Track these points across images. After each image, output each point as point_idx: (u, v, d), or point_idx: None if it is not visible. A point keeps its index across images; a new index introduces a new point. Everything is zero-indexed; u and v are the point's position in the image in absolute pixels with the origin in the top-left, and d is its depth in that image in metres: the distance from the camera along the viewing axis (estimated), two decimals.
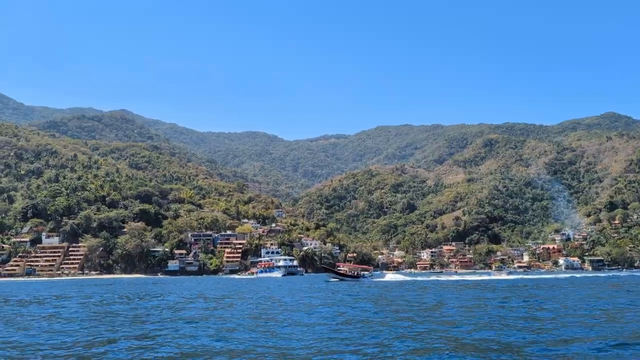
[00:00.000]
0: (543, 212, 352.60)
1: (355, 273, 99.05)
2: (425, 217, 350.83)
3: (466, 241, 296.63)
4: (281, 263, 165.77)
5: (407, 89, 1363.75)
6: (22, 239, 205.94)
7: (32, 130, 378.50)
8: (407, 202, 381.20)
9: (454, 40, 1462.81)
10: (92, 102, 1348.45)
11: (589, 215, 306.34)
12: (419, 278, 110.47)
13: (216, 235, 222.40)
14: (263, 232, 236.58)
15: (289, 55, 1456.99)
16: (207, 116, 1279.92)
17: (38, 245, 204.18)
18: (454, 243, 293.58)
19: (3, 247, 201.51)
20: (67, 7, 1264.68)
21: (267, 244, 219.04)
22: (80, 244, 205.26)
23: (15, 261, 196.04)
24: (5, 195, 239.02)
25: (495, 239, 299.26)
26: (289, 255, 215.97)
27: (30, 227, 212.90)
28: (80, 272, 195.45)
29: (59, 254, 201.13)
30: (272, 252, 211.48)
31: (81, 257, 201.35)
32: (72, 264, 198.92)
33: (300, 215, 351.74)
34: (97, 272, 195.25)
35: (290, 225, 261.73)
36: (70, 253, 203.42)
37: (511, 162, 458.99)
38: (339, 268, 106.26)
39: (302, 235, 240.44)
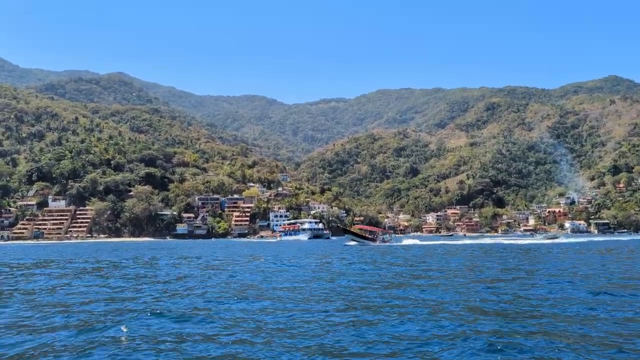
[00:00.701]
0: (546, 176, 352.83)
1: (375, 236, 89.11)
2: (428, 181, 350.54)
3: (470, 205, 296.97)
4: (306, 225, 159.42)
5: (408, 53, 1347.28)
6: (28, 202, 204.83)
7: (30, 92, 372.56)
8: (410, 166, 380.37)
9: (453, 3, 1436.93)
10: (88, 65, 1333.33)
11: (592, 179, 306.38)
12: (442, 242, 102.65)
13: (223, 198, 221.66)
14: (270, 195, 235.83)
15: (287, 16, 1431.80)
16: (205, 79, 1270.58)
17: (45, 208, 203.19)
18: (458, 207, 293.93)
19: (10, 210, 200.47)
20: None
21: (274, 207, 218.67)
22: (87, 208, 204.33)
23: (23, 224, 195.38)
24: (8, 158, 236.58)
25: (500, 203, 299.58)
26: (296, 218, 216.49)
27: (36, 191, 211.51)
28: (88, 235, 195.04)
29: (67, 217, 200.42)
30: (281, 216, 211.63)
31: (89, 220, 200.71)
32: (79, 227, 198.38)
33: (302, 179, 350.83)
34: (106, 235, 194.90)
35: (296, 190, 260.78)
36: (77, 216, 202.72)
37: (513, 126, 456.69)
38: (360, 231, 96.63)
39: (309, 200, 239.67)
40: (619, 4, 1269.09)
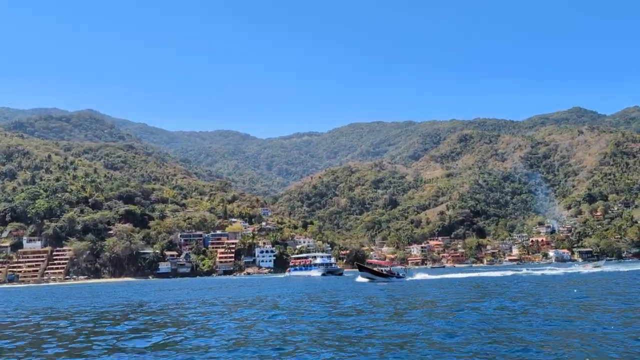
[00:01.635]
0: (523, 205, 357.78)
1: (392, 272, 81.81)
2: (408, 213, 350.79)
3: (452, 235, 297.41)
4: (318, 260, 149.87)
5: (379, 85, 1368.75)
6: (1, 244, 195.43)
7: None
8: (389, 198, 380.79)
9: (419, 39, 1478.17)
10: (56, 102, 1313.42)
11: (569, 208, 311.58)
12: (454, 275, 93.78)
13: (207, 235, 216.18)
14: (253, 230, 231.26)
15: (258, 52, 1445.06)
16: (176, 115, 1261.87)
17: (19, 250, 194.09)
18: (440, 238, 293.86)
19: None
20: (23, 4, 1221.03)
21: (259, 243, 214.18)
22: (65, 248, 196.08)
23: None
24: None
25: (481, 233, 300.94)
26: (282, 254, 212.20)
27: (10, 232, 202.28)
28: (66, 277, 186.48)
29: (43, 259, 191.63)
30: (267, 251, 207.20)
31: (66, 261, 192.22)
32: (57, 268, 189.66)
33: (282, 213, 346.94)
34: (85, 276, 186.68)
35: (278, 224, 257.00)
36: (54, 257, 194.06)
37: (487, 157, 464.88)
38: (370, 266, 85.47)
39: (294, 234, 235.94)
40: (580, 39, 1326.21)
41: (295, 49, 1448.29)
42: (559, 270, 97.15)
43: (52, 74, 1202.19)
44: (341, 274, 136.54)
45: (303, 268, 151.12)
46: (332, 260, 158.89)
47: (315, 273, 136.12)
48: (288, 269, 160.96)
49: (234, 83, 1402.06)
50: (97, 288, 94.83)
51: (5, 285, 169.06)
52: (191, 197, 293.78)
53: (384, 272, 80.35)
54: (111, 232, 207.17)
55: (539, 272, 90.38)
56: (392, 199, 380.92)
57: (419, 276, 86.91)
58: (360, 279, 79.19)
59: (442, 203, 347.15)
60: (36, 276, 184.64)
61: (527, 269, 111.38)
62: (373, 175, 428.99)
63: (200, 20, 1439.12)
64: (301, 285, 74.60)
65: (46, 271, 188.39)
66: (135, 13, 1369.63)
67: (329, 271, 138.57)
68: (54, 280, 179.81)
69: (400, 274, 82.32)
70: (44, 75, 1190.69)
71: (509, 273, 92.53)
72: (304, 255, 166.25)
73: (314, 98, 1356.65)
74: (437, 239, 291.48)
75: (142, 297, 61.10)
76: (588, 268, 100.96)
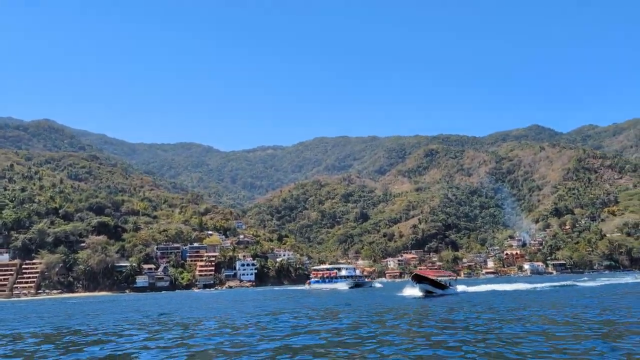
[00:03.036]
0: (492, 219, 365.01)
1: (445, 283, 68.91)
2: (379, 226, 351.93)
3: (426, 249, 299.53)
4: (344, 272, 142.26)
5: (343, 100, 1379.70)
6: None
7: None
8: (359, 212, 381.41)
9: (383, 54, 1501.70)
10: (10, 111, 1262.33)
11: (537, 221, 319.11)
12: (495, 286, 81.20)
13: (184, 247, 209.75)
14: (231, 244, 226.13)
15: (221, 64, 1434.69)
16: (137, 126, 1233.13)
17: None
18: (413, 251, 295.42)
19: None
20: None
21: (238, 255, 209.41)
22: (35, 261, 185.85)
23: None
24: None
25: (454, 246, 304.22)
26: (263, 267, 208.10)
27: None
28: (37, 291, 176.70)
29: (12, 272, 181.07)
30: (247, 265, 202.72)
31: (37, 275, 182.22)
32: (27, 283, 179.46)
33: (254, 226, 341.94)
34: (59, 291, 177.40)
35: (254, 237, 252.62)
36: (23, 271, 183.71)
37: (453, 172, 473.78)
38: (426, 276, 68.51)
39: (272, 247, 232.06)
40: (538, 59, 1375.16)
41: (259, 62, 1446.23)
42: (615, 280, 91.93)
43: (4, 82, 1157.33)
44: (371, 286, 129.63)
45: (327, 280, 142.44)
46: (358, 272, 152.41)
47: (342, 286, 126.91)
48: (308, 282, 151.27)
49: (196, 95, 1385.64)
50: (79, 304, 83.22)
51: None
52: (161, 210, 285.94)
53: (443, 284, 67.32)
54: (83, 244, 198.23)
55: (595, 283, 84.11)
56: (363, 213, 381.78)
57: (460, 288, 75.00)
58: (410, 291, 64.59)
59: (413, 217, 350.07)
60: (4, 291, 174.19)
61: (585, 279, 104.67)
62: (342, 189, 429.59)
63: (163, 30, 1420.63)
64: (340, 299, 65.85)
65: (15, 285, 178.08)
66: (94, 21, 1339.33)
67: (357, 284, 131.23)
68: (26, 294, 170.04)
69: (450, 285, 69.84)
70: None
71: (555, 284, 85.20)
72: (326, 267, 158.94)
73: (279, 112, 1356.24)
74: (411, 252, 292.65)
75: (164, 310, 57.03)
76: None
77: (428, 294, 61.17)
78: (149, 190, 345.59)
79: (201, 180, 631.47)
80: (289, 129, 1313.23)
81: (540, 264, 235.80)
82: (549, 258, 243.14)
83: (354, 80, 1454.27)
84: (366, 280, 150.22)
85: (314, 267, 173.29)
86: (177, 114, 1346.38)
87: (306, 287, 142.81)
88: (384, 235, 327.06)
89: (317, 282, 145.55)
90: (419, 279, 65.67)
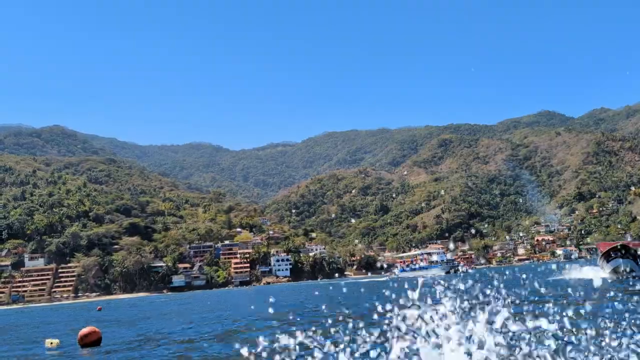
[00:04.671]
0: (513, 206, 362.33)
1: None
2: (401, 218, 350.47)
3: (451, 239, 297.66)
4: (435, 257, 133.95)
5: (351, 94, 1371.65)
6: (1, 264, 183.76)
7: None
8: (379, 204, 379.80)
9: (391, 45, 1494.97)
10: (20, 118, 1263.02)
11: (561, 207, 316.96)
12: None
13: (217, 245, 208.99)
14: (261, 239, 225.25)
15: (227, 62, 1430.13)
16: (146, 129, 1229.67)
17: (22, 268, 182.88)
18: (439, 241, 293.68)
19: None
20: None
21: (271, 251, 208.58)
22: (71, 265, 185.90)
23: None
24: None
25: (478, 235, 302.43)
26: (297, 262, 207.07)
27: (9, 250, 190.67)
28: (75, 295, 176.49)
29: (48, 277, 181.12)
30: (282, 260, 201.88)
31: (74, 278, 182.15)
32: (64, 286, 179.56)
33: (275, 222, 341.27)
34: (97, 293, 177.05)
35: (282, 232, 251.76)
36: (60, 275, 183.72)
37: (469, 161, 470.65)
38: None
39: (304, 242, 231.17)
40: (546, 41, 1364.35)
41: (263, 57, 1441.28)
42: None
43: (13, 90, 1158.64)
44: (466, 272, 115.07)
45: (417, 267, 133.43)
46: (448, 256, 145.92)
47: (438, 272, 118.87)
48: (391, 272, 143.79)
49: (204, 94, 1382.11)
50: (158, 305, 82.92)
51: (14, 306, 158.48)
52: (184, 209, 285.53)
53: None
54: (116, 246, 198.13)
55: None
56: (383, 205, 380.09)
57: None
58: (591, 272, 44.34)
59: (434, 207, 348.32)
60: (43, 295, 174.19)
61: None
62: (360, 182, 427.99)
63: (166, 31, 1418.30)
64: None
65: (53, 290, 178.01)
66: (100, 22, 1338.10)
67: (453, 269, 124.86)
68: (67, 298, 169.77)
69: None
70: (3, 90, 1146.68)
71: None
72: (411, 254, 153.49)
73: (285, 107, 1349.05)
74: (436, 242, 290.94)
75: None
76: None
77: (628, 274, 42.80)
78: (168, 190, 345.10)
79: (214, 180, 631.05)
80: (296, 125, 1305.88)
81: (572, 248, 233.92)
82: (581, 243, 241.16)
83: (360, 73, 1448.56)
84: (457, 263, 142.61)
85: (396, 256, 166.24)
86: (184, 114, 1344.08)
87: (391, 276, 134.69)
88: (407, 227, 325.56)
89: (405, 270, 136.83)
90: (622, 253, 45.30)
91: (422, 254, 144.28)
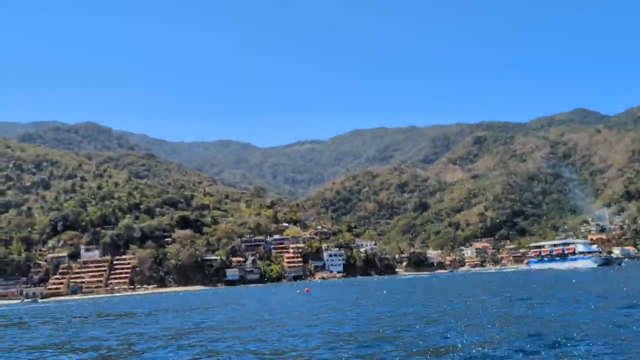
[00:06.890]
0: (557, 205, 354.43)
1: None
2: (441, 215, 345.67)
3: (497, 236, 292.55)
4: (581, 247, 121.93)
5: (380, 92, 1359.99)
6: (59, 254, 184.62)
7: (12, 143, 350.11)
8: (418, 201, 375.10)
9: (421, 41, 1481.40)
10: (55, 115, 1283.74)
11: (609, 206, 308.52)
12: None
13: (269, 240, 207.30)
14: (311, 234, 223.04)
15: (255, 59, 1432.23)
16: (176, 125, 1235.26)
17: (79, 259, 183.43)
18: (484, 239, 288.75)
19: (39, 264, 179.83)
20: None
21: (323, 246, 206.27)
22: (126, 257, 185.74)
23: (57, 279, 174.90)
24: (22, 208, 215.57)
25: (523, 233, 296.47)
26: (349, 257, 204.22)
27: (65, 241, 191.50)
28: (132, 286, 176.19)
29: (105, 268, 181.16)
30: (335, 255, 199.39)
31: (129, 270, 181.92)
32: (120, 278, 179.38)
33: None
34: (154, 285, 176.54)
35: (330, 227, 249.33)
36: (115, 266, 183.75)
37: (506, 158, 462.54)
38: None
39: (353, 237, 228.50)
40: (581, 38, 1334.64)
41: (291, 54, 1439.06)
42: None
43: (47, 84, 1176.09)
44: (620, 265, 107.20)
45: (558, 259, 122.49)
46: (595, 247, 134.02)
47: (586, 264, 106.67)
48: (526, 261, 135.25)
49: (233, 90, 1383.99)
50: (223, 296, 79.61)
51: (72, 298, 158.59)
52: (225, 204, 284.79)
53: None
54: (168, 239, 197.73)
55: None
56: (422, 202, 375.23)
57: None
58: None
59: (475, 205, 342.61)
60: (100, 287, 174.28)
61: None
62: (395, 179, 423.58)
63: (196, 30, 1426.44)
64: None
65: (109, 281, 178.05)
66: (129, 20, 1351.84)
67: (607, 261, 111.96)
68: (125, 289, 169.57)
69: None
70: (38, 86, 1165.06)
71: None
72: (548, 243, 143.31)
73: (313, 105, 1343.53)
74: (481, 240, 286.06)
75: None
76: None
77: None
78: (207, 185, 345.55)
79: (244, 177, 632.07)
80: (323, 122, 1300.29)
81: (631, 248, 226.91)
82: (638, 242, 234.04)
83: (386, 72, 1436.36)
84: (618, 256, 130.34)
85: (532, 245, 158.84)
86: (214, 112, 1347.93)
87: (523, 267, 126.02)
88: (449, 225, 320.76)
89: (540, 261, 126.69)
90: None
91: (563, 244, 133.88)
